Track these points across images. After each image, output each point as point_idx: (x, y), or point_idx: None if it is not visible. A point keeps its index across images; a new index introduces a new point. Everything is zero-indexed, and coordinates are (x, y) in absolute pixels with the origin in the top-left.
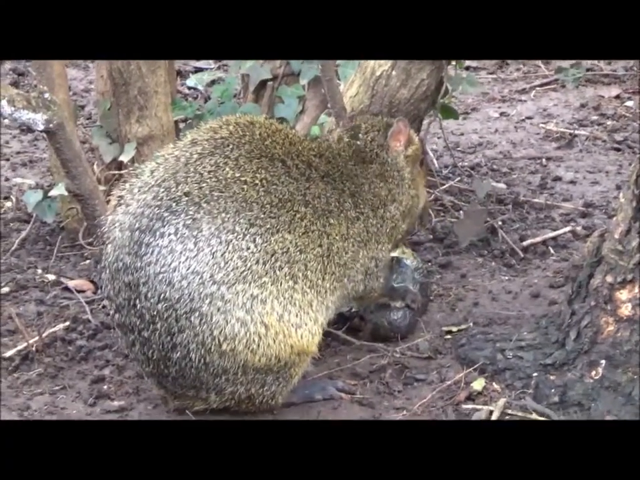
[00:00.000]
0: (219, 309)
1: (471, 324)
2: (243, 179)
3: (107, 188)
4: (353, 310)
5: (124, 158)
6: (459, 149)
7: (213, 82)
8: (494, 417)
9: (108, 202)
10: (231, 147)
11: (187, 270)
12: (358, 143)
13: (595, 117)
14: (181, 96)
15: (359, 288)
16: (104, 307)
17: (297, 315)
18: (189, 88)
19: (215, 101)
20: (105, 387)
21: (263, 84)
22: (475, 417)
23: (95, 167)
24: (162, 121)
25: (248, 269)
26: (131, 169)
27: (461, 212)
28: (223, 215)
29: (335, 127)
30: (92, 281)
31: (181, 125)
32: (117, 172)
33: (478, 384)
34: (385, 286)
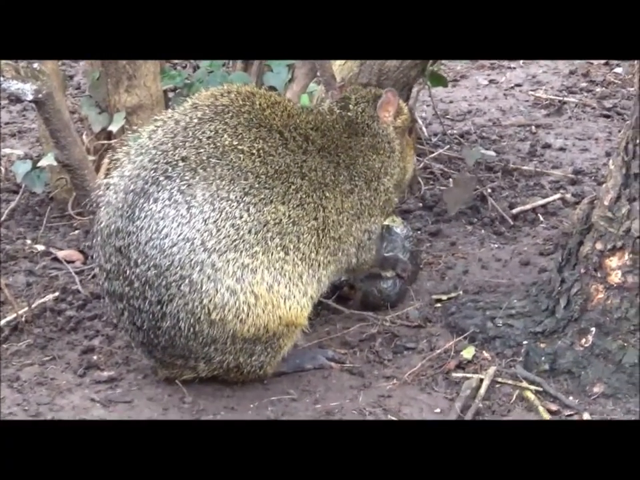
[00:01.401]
0: (209, 277)
1: (461, 292)
2: (240, 147)
3: (96, 158)
4: (343, 279)
5: (113, 128)
6: (448, 116)
7: None
8: (484, 385)
9: (97, 172)
10: (230, 114)
11: (178, 236)
12: (349, 114)
13: (584, 84)
14: (169, 65)
15: (351, 260)
16: (93, 276)
17: (286, 286)
18: None
19: (203, 70)
20: (95, 357)
21: None
22: (465, 385)
23: (84, 136)
24: (151, 91)
25: (240, 238)
26: (127, 134)
27: (451, 180)
28: (218, 182)
29: (324, 96)
30: (81, 251)
31: (170, 95)
32: (106, 142)
33: (468, 352)
34: (377, 257)
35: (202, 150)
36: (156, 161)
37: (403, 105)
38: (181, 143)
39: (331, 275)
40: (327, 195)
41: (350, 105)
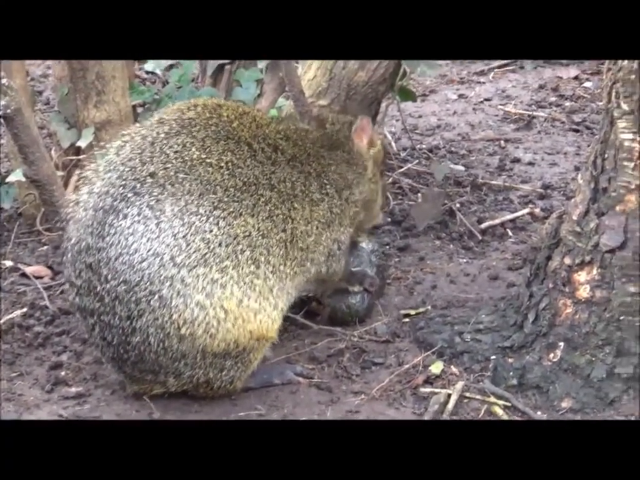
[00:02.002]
0: (178, 292)
1: (429, 307)
2: (208, 160)
3: (64, 173)
4: (311, 294)
5: (82, 143)
6: (417, 131)
7: (170, 66)
8: (452, 400)
9: (66, 187)
10: (197, 127)
11: (148, 252)
12: (325, 130)
13: (554, 98)
14: (138, 80)
15: (321, 270)
16: (62, 292)
17: (256, 301)
18: (147, 72)
19: (172, 85)
20: (63, 373)
21: (220, 68)
22: (433, 400)
23: (52, 152)
24: (120, 106)
25: (210, 252)
26: (95, 150)
27: (419, 195)
28: (187, 196)
29: (293, 111)
30: (49, 267)
31: (139, 110)
32: (74, 157)
33: (436, 367)
34: (346, 270)
35: (170, 165)
36: (124, 177)
37: (376, 138)
38: (148, 159)
39: (298, 286)
40: (296, 206)
41: (327, 124)
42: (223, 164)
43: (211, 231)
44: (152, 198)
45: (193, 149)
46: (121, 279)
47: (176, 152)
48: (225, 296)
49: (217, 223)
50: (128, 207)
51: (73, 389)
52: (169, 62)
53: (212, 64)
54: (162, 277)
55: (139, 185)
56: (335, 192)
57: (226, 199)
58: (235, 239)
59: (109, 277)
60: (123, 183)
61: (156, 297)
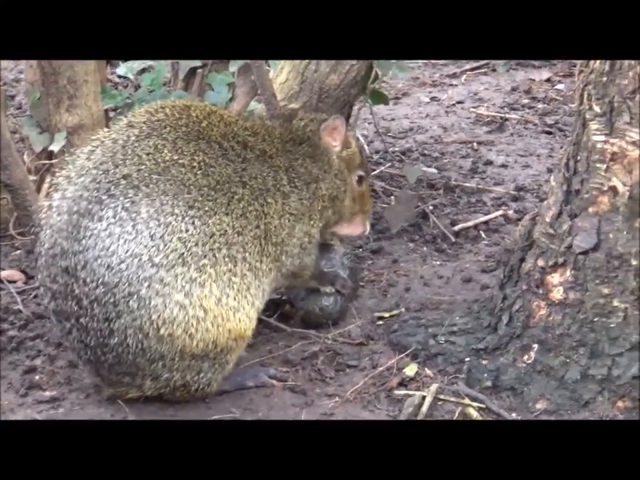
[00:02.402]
0: (157, 292)
1: (403, 309)
2: (181, 161)
3: (37, 178)
4: (284, 297)
5: (54, 147)
6: (389, 134)
7: (142, 70)
8: (426, 403)
9: (38, 192)
10: (168, 129)
11: (126, 253)
12: (291, 127)
13: (526, 101)
14: (111, 84)
15: (295, 262)
16: (35, 296)
17: (234, 299)
18: (119, 76)
19: (144, 89)
20: (37, 377)
21: (192, 71)
22: (408, 402)
23: (25, 156)
24: (92, 110)
25: (188, 251)
26: (65, 156)
27: (392, 197)
28: (162, 197)
29: (266, 115)
30: (23, 271)
31: (111, 114)
32: (47, 162)
33: (410, 370)
34: (316, 266)
35: (143, 166)
36: (98, 180)
37: (352, 142)
38: (121, 161)
39: (272, 282)
40: (269, 200)
41: (293, 121)
42: (195, 164)
43: (187, 231)
44: (127, 200)
45: (165, 151)
46: (100, 281)
47: (148, 154)
48: (204, 294)
49: (193, 223)
50: (103, 210)
51: (47, 393)
52: (141, 66)
53: (184, 68)
54: (140, 278)
55: (113, 187)
56: (303, 185)
57: (200, 199)
58: (211, 237)
59: (87, 279)
60: (97, 186)
61: (135, 297)
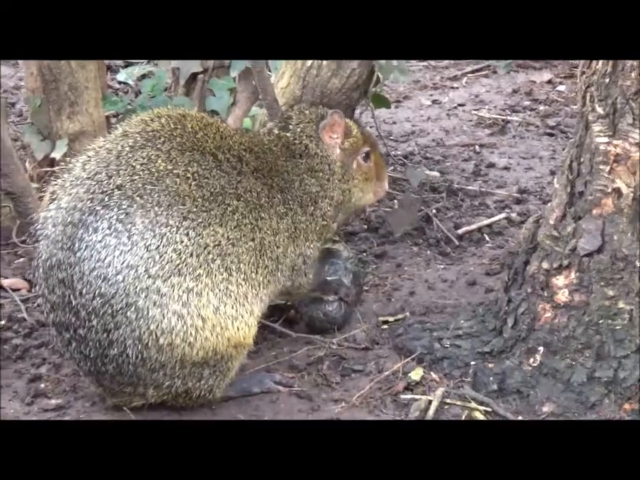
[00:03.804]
0: (155, 303)
1: (408, 313)
2: (175, 172)
3: (39, 185)
4: (288, 303)
5: (56, 154)
6: (391, 137)
7: (143, 76)
8: (433, 407)
9: (40, 199)
10: (162, 139)
11: (122, 264)
12: (287, 135)
13: (527, 103)
14: (111, 91)
15: (287, 283)
16: (39, 305)
17: (232, 307)
18: (120, 82)
19: (145, 95)
20: (42, 385)
21: (193, 77)
22: (414, 407)
23: (27, 164)
24: (93, 117)
25: (183, 262)
26: (62, 165)
27: (395, 201)
28: (156, 208)
29: (267, 119)
30: (26, 279)
31: (113, 120)
32: (49, 169)
33: (416, 374)
34: (314, 282)
35: (137, 177)
36: (92, 191)
37: (353, 127)
38: (114, 172)
39: (270, 294)
40: (263, 215)
41: (290, 125)
42: (189, 175)
43: (182, 242)
44: (121, 211)
45: (159, 161)
46: (96, 293)
47: (142, 164)
48: (202, 304)
49: (187, 234)
50: (97, 221)
51: (53, 401)
52: (141, 72)
53: (185, 73)
54: (137, 289)
55: (107, 198)
56: (298, 208)
57: (194, 210)
58: (205, 248)
59: (84, 291)
60: (91, 196)
61: (132, 308)
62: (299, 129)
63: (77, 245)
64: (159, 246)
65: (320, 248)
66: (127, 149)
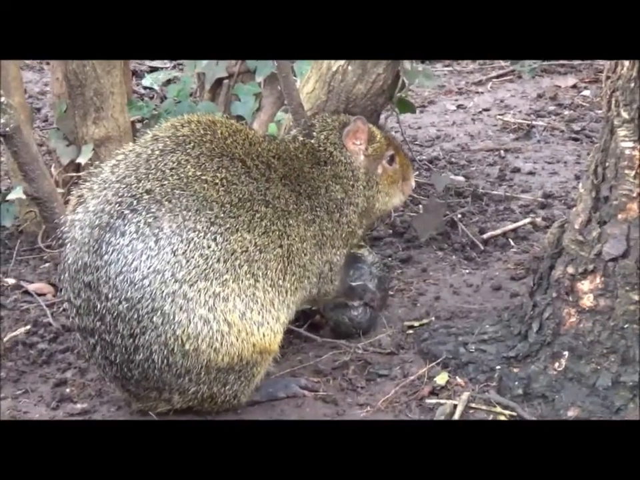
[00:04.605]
0: (181, 308)
1: (433, 318)
2: (203, 177)
3: (65, 190)
4: (314, 307)
5: (81, 160)
6: (416, 142)
7: (168, 81)
8: (458, 411)
9: (66, 204)
10: (192, 144)
11: (149, 269)
12: (312, 141)
13: (552, 107)
14: (136, 96)
15: (313, 290)
16: (64, 309)
17: (259, 313)
18: (145, 88)
19: (171, 100)
20: (68, 389)
21: (218, 82)
22: (439, 411)
23: (52, 169)
24: (118, 122)
25: (210, 267)
26: (90, 169)
27: (420, 206)
28: (184, 212)
29: (293, 125)
30: (52, 284)
31: (138, 126)
32: (74, 174)
33: (441, 378)
34: (340, 288)
35: (166, 182)
36: (120, 194)
37: (377, 133)
38: (144, 176)
39: (298, 300)
40: (291, 222)
41: (314, 132)
42: (217, 180)
43: (209, 247)
44: (149, 215)
45: (189, 166)
46: (122, 297)
47: (171, 169)
48: (228, 309)
49: (215, 239)
50: (125, 225)
51: (78, 406)
52: (167, 77)
53: (210, 78)
54: (164, 293)
55: (135, 202)
56: (325, 215)
57: (222, 215)
58: (232, 254)
59: (109, 295)
60: (120, 200)
61: (158, 313)
62: (322, 136)
63: (104, 249)
64: (186, 251)
65: (346, 255)
66: (157, 153)
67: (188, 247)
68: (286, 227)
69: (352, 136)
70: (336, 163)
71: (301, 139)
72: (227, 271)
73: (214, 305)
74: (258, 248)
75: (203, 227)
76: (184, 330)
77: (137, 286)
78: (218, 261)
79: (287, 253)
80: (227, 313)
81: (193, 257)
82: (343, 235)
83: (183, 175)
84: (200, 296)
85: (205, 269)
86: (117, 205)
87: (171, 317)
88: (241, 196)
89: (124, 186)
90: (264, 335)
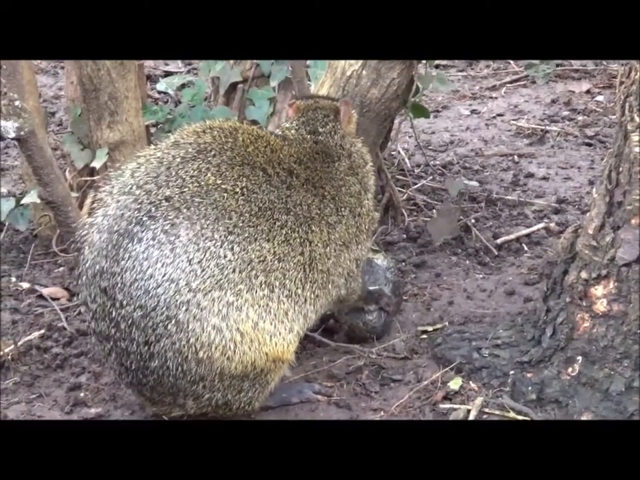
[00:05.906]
0: (194, 317)
1: (447, 323)
2: (223, 186)
3: (79, 194)
4: (328, 312)
5: (96, 164)
6: (430, 147)
7: (183, 85)
8: (471, 416)
9: (81, 208)
10: (213, 152)
11: (163, 277)
12: (321, 139)
13: (566, 113)
14: (151, 100)
15: (340, 292)
16: (79, 313)
17: (271, 323)
18: (159, 92)
19: (185, 104)
20: (82, 394)
21: (233, 86)
22: (453, 416)
23: (67, 173)
24: (133, 126)
25: (225, 277)
26: (109, 171)
27: (434, 211)
28: (202, 221)
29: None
30: (66, 288)
31: (152, 130)
32: (89, 178)
33: (455, 383)
34: (363, 288)
35: (185, 189)
36: (140, 201)
37: (342, 107)
38: (164, 183)
39: (320, 308)
40: (313, 228)
41: (318, 127)
42: (238, 189)
43: (225, 256)
44: (167, 222)
45: (209, 174)
46: (137, 304)
47: (192, 176)
48: (241, 318)
49: (232, 248)
50: (143, 231)
51: (93, 410)
52: (181, 81)
53: (224, 82)
54: (178, 302)
55: (154, 209)
56: (349, 212)
57: (241, 224)
58: (249, 264)
59: (124, 302)
60: (139, 206)
61: (173, 321)
62: (327, 130)
63: (121, 255)
64: (201, 260)
65: (369, 246)
66: (178, 160)
67: (204, 255)
68: (308, 234)
69: (347, 120)
70: (347, 156)
71: (308, 136)
72: (242, 281)
73: (227, 314)
74: (277, 257)
75: (220, 236)
76: (197, 338)
77: (150, 294)
78: (233, 271)
79: (309, 260)
80: (240, 323)
81: (208, 267)
82: (366, 227)
83: (203, 183)
84: (213, 304)
85: (220, 279)
86: (136, 211)
87: (185, 325)
88: (261, 205)
89: (144, 192)
90: (276, 345)
